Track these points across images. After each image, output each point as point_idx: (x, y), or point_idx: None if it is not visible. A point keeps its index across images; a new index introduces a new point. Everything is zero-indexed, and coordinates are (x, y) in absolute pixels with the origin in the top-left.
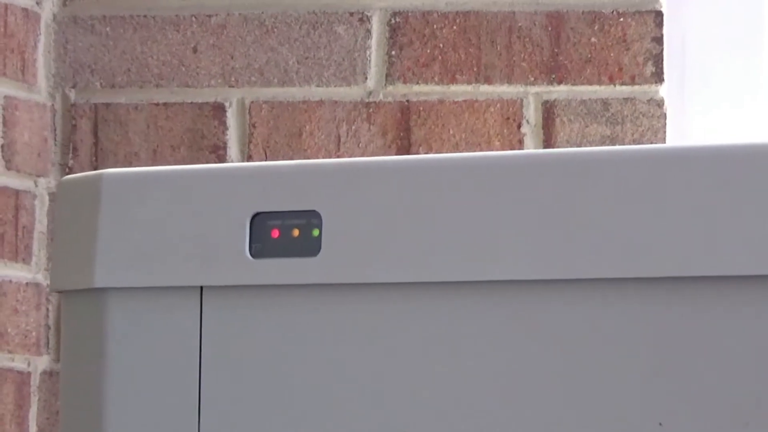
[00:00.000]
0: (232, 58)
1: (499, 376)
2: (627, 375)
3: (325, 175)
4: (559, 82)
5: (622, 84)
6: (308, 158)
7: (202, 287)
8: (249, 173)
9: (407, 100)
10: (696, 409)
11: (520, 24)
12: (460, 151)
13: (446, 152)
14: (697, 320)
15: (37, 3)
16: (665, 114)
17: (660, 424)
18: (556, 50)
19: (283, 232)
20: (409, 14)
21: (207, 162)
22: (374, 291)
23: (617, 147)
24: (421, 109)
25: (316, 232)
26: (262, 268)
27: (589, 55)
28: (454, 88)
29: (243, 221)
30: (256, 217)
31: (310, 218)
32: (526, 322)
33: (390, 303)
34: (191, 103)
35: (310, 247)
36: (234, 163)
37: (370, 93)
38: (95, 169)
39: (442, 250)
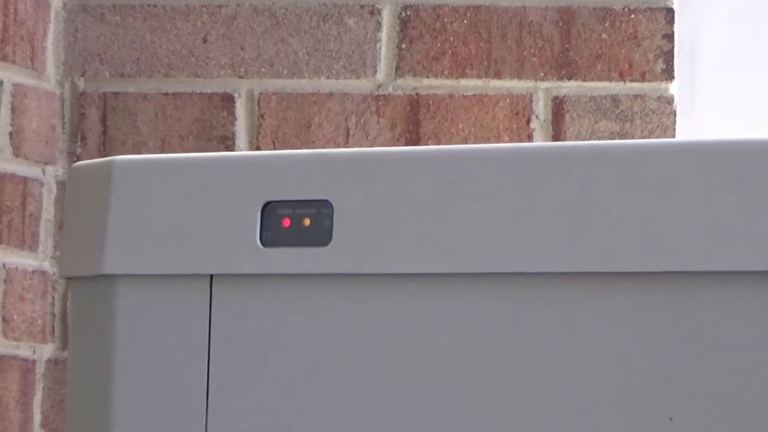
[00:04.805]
0: (242, 48)
1: (509, 368)
2: (637, 369)
3: (338, 164)
4: (569, 78)
5: (633, 81)
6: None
7: (212, 275)
8: (261, 162)
9: (417, 94)
10: (706, 403)
11: (530, 19)
12: None
13: None
14: (708, 315)
15: None
16: (675, 111)
17: (670, 419)
18: (566, 46)
19: (294, 221)
20: (420, 7)
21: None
22: (385, 281)
23: (626, 141)
24: (431, 102)
25: (327, 222)
26: (273, 257)
27: (600, 51)
28: (463, 82)
29: (254, 210)
30: (267, 206)
31: (322, 208)
32: (534, 314)
33: (400, 293)
34: (200, 93)
35: (321, 236)
36: (246, 152)
37: (379, 86)
38: (103, 158)
39: (453, 241)
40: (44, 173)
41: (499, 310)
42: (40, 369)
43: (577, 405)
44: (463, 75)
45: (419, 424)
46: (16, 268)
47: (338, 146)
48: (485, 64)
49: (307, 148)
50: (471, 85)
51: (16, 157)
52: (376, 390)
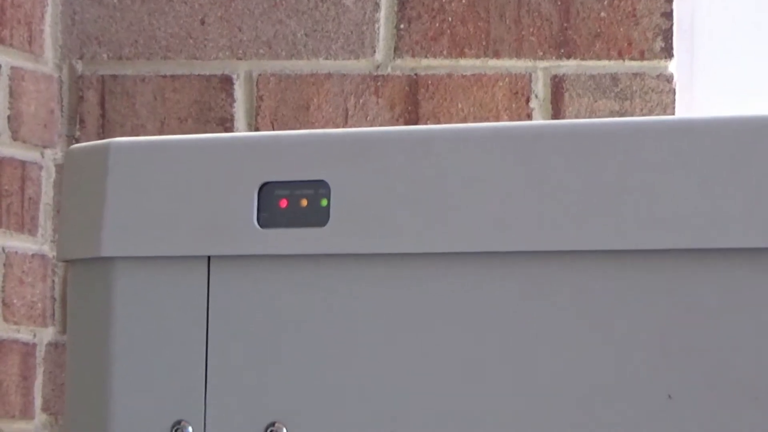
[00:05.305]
0: (239, 30)
1: (508, 347)
2: (636, 348)
3: (334, 144)
4: (568, 57)
5: (632, 59)
6: None
7: (209, 257)
8: (258, 143)
9: (415, 74)
10: (705, 382)
11: None
12: None
13: None
14: (708, 292)
15: None
16: (674, 89)
17: (669, 396)
18: (565, 24)
19: (291, 202)
20: None
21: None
22: (382, 261)
23: (625, 119)
24: (429, 82)
25: (324, 202)
26: (270, 237)
27: (599, 30)
28: (462, 62)
29: (251, 191)
30: (264, 187)
31: (319, 188)
32: (532, 293)
33: (397, 273)
34: (198, 75)
35: (318, 217)
36: (243, 133)
37: (378, 66)
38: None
39: (450, 221)
40: (43, 157)
41: (495, 290)
42: (40, 352)
43: (576, 383)
44: (462, 55)
45: (416, 404)
46: (16, 252)
47: (337, 127)
48: (484, 43)
49: (306, 129)
50: (470, 65)
51: (15, 140)
52: (374, 369)
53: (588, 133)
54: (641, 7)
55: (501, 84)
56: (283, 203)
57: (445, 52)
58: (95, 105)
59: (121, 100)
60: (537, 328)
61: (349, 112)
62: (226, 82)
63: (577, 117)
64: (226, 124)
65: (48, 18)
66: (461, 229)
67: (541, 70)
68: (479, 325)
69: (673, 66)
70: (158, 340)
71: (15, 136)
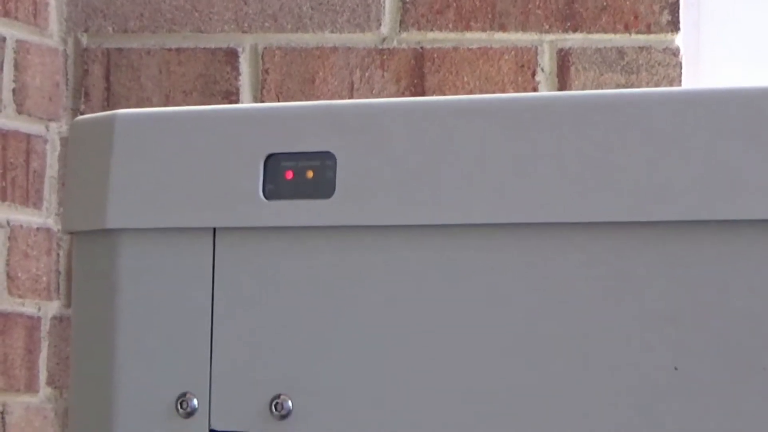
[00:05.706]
0: (245, 3)
1: (511, 319)
2: (642, 320)
3: (340, 116)
4: (575, 30)
5: (638, 32)
6: None
7: (215, 228)
8: (263, 114)
9: (421, 47)
10: (712, 353)
11: None
12: None
13: None
14: (714, 264)
15: None
16: (681, 63)
17: (675, 368)
18: None
19: (297, 174)
20: None
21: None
22: (388, 233)
23: (631, 90)
24: (435, 56)
25: (330, 174)
26: (276, 209)
27: (605, 3)
28: (468, 35)
29: (257, 162)
30: (270, 158)
31: (325, 159)
32: (538, 265)
33: (404, 245)
34: (204, 48)
35: (324, 188)
36: (248, 104)
37: (384, 39)
38: None
39: (457, 193)
40: (48, 130)
41: (503, 261)
42: (45, 326)
43: (581, 355)
44: (468, 28)
45: (423, 374)
46: (21, 226)
47: (343, 100)
48: (490, 17)
49: None
50: (476, 38)
51: (20, 113)
52: (379, 341)
53: (594, 105)
54: None
55: (507, 57)
56: (289, 175)
57: (451, 26)
58: (100, 78)
59: (126, 73)
60: (543, 299)
61: (355, 86)
62: (232, 55)
63: (583, 90)
64: (232, 98)
65: None
66: (467, 201)
67: (547, 43)
68: (485, 296)
69: (679, 39)
70: (163, 313)
71: (20, 109)
